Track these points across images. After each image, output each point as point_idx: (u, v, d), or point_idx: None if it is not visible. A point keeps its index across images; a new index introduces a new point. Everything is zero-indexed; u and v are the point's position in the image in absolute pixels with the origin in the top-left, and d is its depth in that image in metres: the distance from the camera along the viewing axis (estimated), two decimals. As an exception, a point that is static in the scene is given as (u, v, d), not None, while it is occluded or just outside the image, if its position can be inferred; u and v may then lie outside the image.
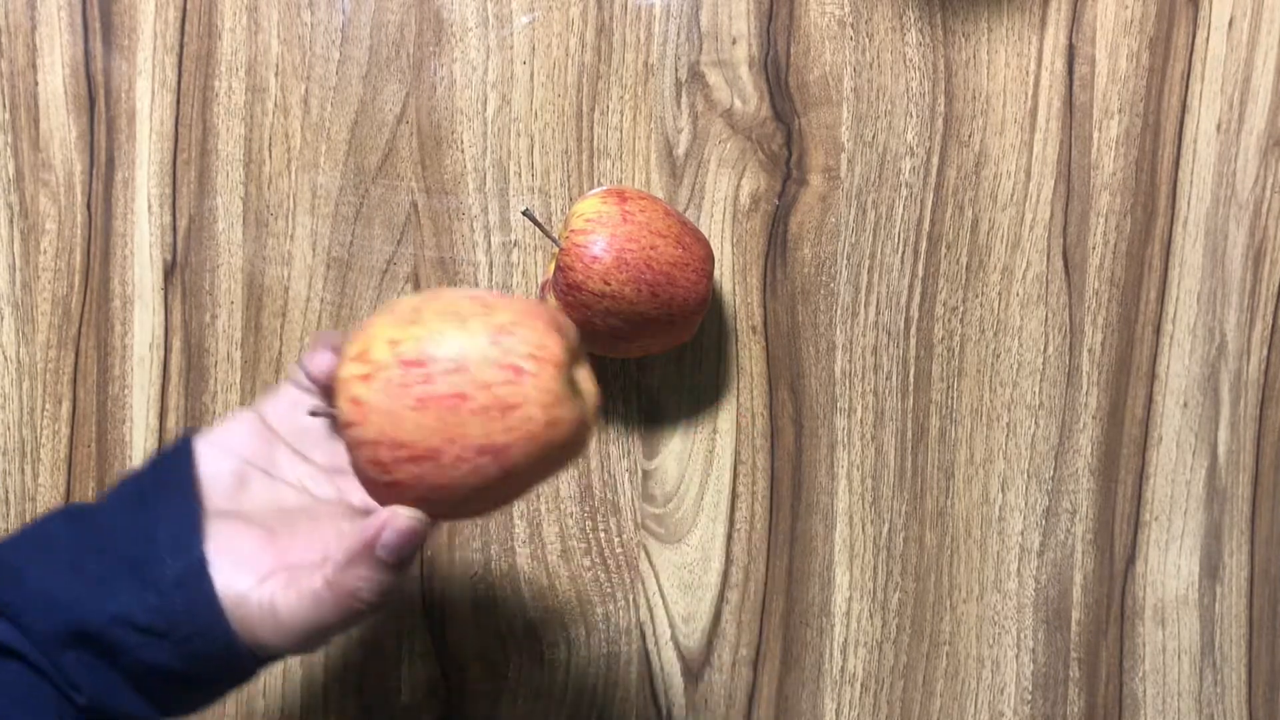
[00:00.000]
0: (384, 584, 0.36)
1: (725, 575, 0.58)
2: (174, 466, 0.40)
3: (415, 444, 0.35)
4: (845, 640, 0.58)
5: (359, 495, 0.41)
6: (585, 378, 0.39)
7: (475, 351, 0.35)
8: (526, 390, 0.36)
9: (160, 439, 0.57)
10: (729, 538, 0.57)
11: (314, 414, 0.40)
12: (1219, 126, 0.57)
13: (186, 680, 0.37)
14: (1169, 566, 0.58)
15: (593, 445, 0.57)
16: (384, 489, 0.36)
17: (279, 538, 0.38)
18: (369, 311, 0.57)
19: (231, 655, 0.36)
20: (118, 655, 0.36)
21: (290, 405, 0.43)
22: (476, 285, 0.56)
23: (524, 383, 0.36)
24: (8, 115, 0.55)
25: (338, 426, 0.37)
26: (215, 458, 0.40)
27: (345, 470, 0.41)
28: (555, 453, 0.37)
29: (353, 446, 0.36)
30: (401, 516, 0.36)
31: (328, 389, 0.41)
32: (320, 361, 0.41)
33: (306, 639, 0.37)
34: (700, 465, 0.57)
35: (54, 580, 0.36)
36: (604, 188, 0.54)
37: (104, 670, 0.36)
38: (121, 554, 0.37)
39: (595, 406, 0.39)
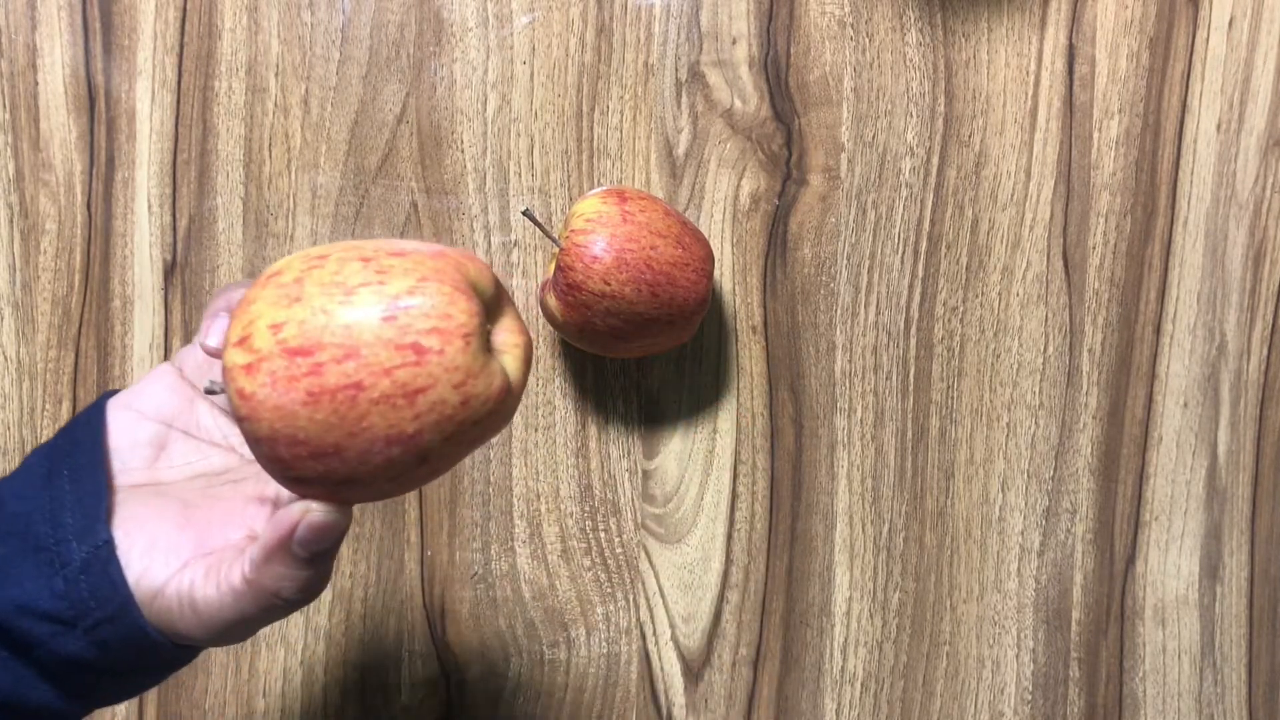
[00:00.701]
0: (304, 580, 0.34)
1: (725, 575, 0.58)
2: (84, 439, 0.37)
3: (313, 441, 0.31)
4: (845, 640, 0.58)
5: None
6: (508, 330, 0.35)
7: (366, 332, 0.31)
8: (432, 371, 0.31)
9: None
10: (729, 538, 0.57)
11: (210, 392, 0.35)
12: (1219, 126, 0.57)
13: (104, 671, 0.35)
14: (1169, 566, 0.58)
15: (592, 445, 0.57)
16: (291, 483, 0.33)
17: (197, 513, 0.36)
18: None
19: (146, 643, 0.34)
20: (30, 648, 0.34)
21: (209, 359, 0.40)
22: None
23: (428, 363, 0.31)
24: (8, 115, 0.55)
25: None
26: (131, 424, 0.38)
27: None
28: (477, 428, 0.33)
29: (248, 441, 0.33)
30: (315, 513, 0.33)
31: None
32: (219, 333, 0.38)
33: (228, 632, 0.35)
34: (700, 465, 0.57)
35: None
36: (604, 188, 0.54)
37: (15, 665, 0.34)
38: (26, 538, 0.34)
39: (524, 361, 0.35)
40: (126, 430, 0.38)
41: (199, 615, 0.34)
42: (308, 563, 0.34)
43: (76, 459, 0.36)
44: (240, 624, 0.34)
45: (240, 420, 0.32)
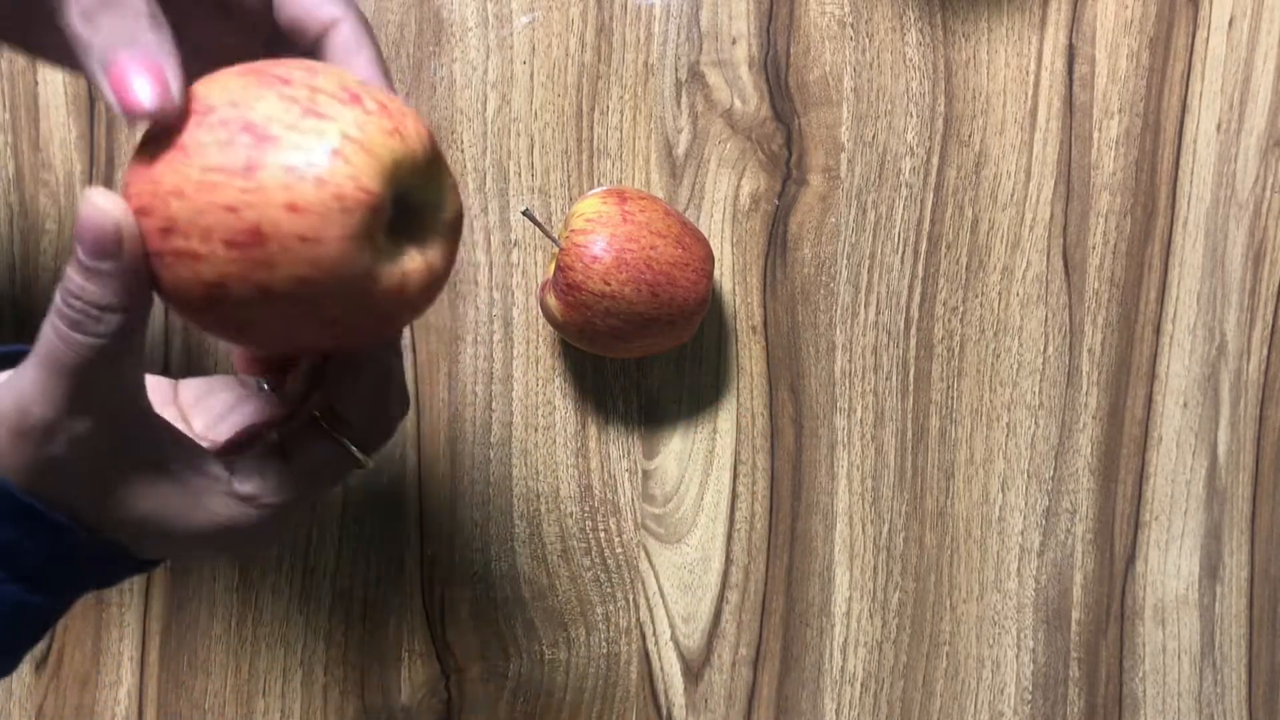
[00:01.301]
0: (90, 296, 0.29)
1: (725, 575, 0.58)
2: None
3: (201, 99, 0.30)
4: (845, 640, 0.58)
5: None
6: (429, 254, 0.32)
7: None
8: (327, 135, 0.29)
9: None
10: (729, 538, 0.57)
11: None
12: (1219, 126, 0.57)
13: None
14: (1169, 566, 0.58)
15: (592, 445, 0.57)
16: (136, 191, 0.30)
17: None
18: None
19: None
20: None
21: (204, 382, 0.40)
22: (476, 285, 0.56)
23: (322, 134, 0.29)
24: (8, 115, 0.55)
25: None
26: None
27: (215, 441, 0.38)
28: (320, 226, 0.29)
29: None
30: (94, 199, 0.29)
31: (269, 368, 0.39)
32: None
33: (34, 395, 0.30)
34: (700, 465, 0.57)
35: None
36: (604, 188, 0.54)
37: None
38: None
39: (415, 274, 0.31)
40: None
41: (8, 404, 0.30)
42: (92, 274, 0.30)
43: None
44: (42, 376, 0.30)
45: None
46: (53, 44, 0.36)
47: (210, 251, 0.29)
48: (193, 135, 0.29)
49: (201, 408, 0.39)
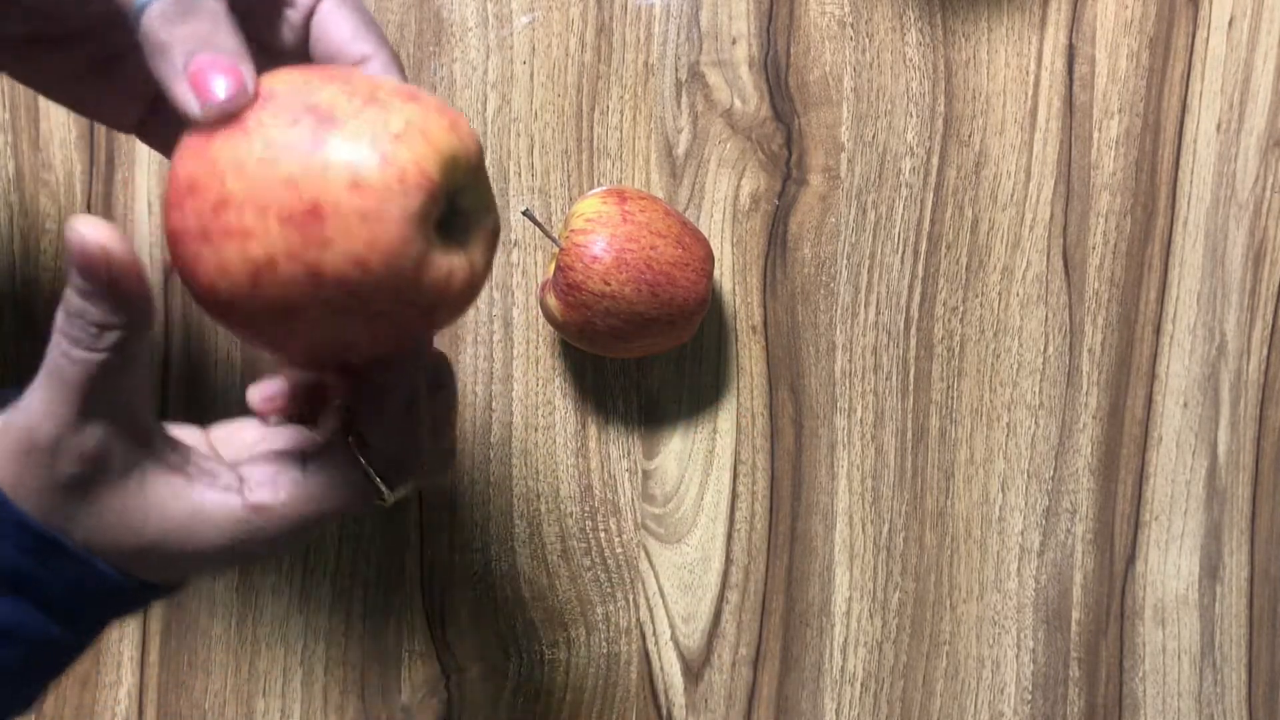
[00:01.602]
0: (90, 316, 0.30)
1: (725, 575, 0.58)
2: None
3: (265, 88, 0.31)
4: (845, 640, 0.58)
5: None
6: (472, 252, 0.32)
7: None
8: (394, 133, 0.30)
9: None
10: (729, 538, 0.57)
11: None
12: (1219, 126, 0.57)
13: None
14: (1169, 566, 0.58)
15: (592, 445, 0.57)
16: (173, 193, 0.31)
17: None
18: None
19: None
20: None
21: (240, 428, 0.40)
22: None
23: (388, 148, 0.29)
24: (8, 115, 0.55)
25: None
26: None
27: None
28: (366, 226, 0.29)
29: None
30: (78, 228, 0.29)
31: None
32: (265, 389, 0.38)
33: (42, 412, 0.31)
34: (700, 465, 0.57)
35: None
36: (604, 188, 0.54)
37: None
38: None
39: (460, 271, 0.32)
40: None
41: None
42: (85, 294, 0.30)
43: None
44: (50, 396, 0.31)
45: None
46: (90, 90, 0.39)
47: (264, 229, 0.29)
48: (255, 116, 0.30)
49: (230, 442, 0.38)
